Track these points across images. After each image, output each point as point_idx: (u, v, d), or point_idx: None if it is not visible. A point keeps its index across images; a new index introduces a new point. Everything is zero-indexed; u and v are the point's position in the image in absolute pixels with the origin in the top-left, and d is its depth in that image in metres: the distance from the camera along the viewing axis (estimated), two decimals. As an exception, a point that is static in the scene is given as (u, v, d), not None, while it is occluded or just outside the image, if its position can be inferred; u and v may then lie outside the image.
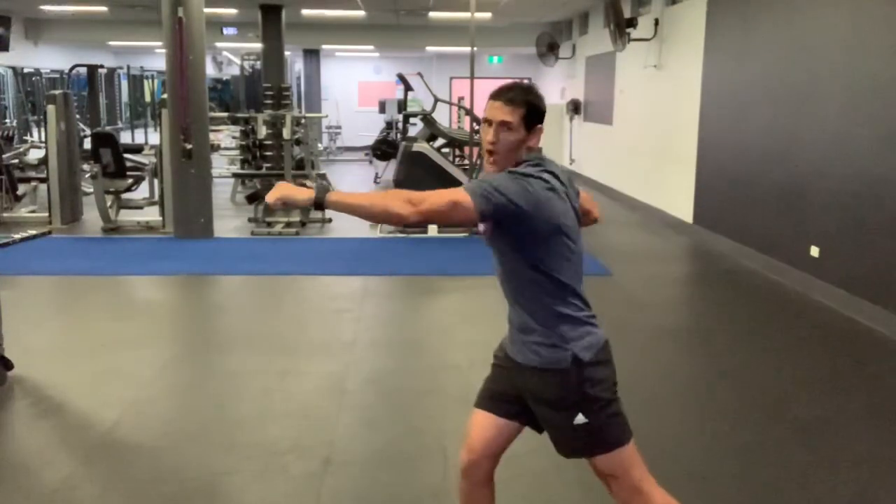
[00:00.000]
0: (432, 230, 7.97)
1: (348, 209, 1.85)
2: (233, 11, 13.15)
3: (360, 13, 13.24)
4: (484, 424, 2.11)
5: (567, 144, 13.68)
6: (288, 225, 8.32)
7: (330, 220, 8.58)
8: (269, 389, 3.90)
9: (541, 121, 1.98)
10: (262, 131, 10.16)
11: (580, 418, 1.94)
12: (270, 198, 1.87)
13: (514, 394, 2.08)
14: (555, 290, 1.96)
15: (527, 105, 1.94)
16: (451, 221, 1.92)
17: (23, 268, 6.33)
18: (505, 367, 2.10)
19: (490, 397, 2.13)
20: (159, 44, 14.58)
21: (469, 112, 8.89)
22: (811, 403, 3.81)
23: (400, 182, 8.16)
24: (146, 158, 9.55)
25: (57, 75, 16.77)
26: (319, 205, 1.85)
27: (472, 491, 2.16)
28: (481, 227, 1.96)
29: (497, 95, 1.97)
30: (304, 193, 1.86)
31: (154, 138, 13.11)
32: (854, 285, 5.22)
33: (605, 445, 1.98)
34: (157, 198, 8.49)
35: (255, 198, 8.66)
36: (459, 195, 1.86)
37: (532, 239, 1.92)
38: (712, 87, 7.74)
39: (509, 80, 2.02)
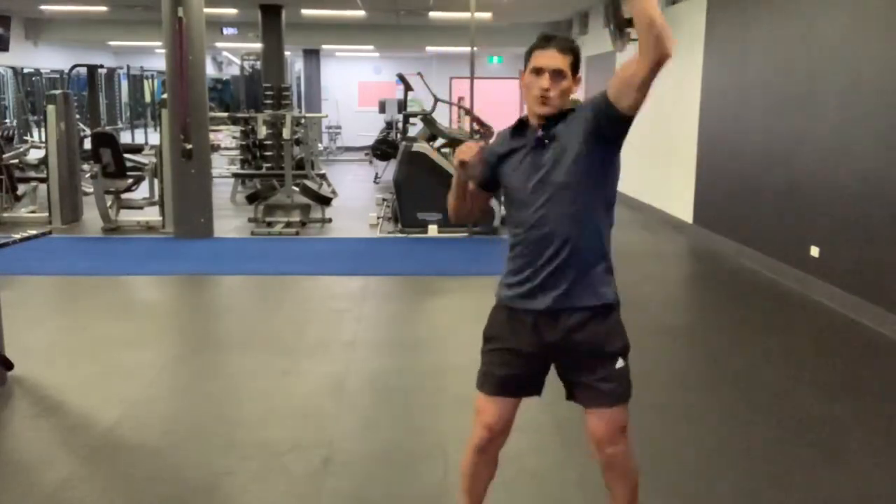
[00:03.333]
0: (432, 230, 7.97)
1: (650, 5, 1.78)
2: (233, 11, 13.15)
3: (360, 13, 13.23)
4: (500, 406, 2.14)
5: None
6: (288, 225, 8.32)
7: (330, 220, 8.58)
8: (269, 389, 3.90)
9: (580, 69, 2.07)
10: (262, 131, 10.16)
11: (620, 362, 2.08)
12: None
13: (526, 370, 2.13)
14: (608, 228, 2.11)
15: (574, 53, 2.04)
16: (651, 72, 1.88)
17: (23, 268, 6.33)
18: (524, 336, 2.10)
19: (501, 383, 2.15)
20: (159, 44, 14.59)
21: (469, 112, 8.88)
22: (811, 403, 3.81)
23: (400, 182, 8.16)
24: (146, 158, 9.55)
25: (57, 75, 16.76)
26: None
27: (485, 463, 2.21)
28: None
29: (546, 43, 2.04)
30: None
31: (154, 138, 13.11)
32: (854, 285, 5.21)
33: (629, 392, 2.11)
34: (157, 198, 8.49)
35: (255, 198, 8.67)
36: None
37: (614, 171, 2.07)
38: (712, 87, 7.73)
39: (547, 31, 2.07)
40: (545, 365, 2.17)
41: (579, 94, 2.15)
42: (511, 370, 2.14)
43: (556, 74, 2.00)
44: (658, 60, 1.82)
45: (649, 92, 1.91)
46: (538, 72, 2.01)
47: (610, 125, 1.97)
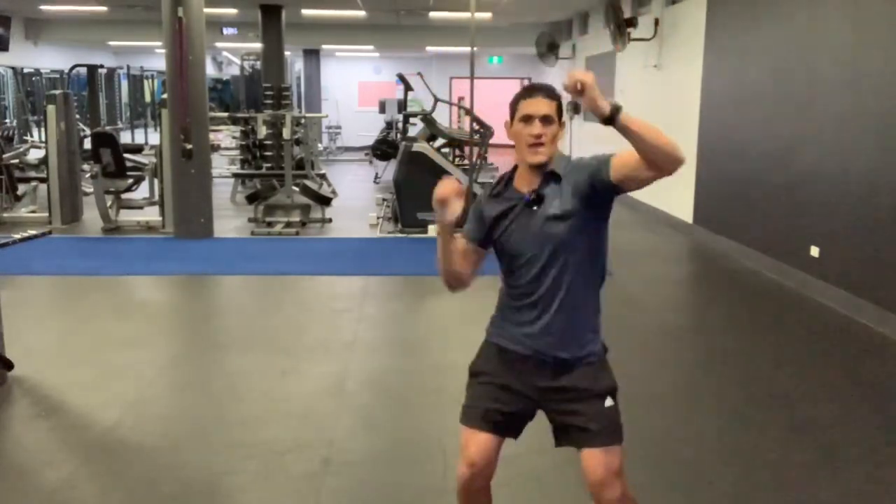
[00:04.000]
0: (432, 230, 7.97)
1: (642, 128, 1.84)
2: (233, 11, 13.15)
3: (360, 13, 13.24)
4: (484, 442, 2.12)
5: (567, 144, 13.68)
6: (288, 225, 8.32)
7: (330, 220, 8.58)
8: (269, 389, 3.90)
9: (563, 114, 2.13)
10: (262, 131, 10.16)
11: (609, 401, 2.11)
12: (574, 78, 1.85)
13: (514, 408, 2.13)
14: (599, 283, 2.17)
15: (557, 99, 2.09)
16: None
17: (23, 268, 6.33)
18: (515, 377, 2.12)
19: (487, 418, 2.13)
20: (159, 44, 14.59)
21: (469, 112, 8.88)
22: (811, 403, 3.81)
23: (400, 182, 8.16)
24: (146, 158, 9.55)
25: (57, 75, 16.77)
26: (611, 119, 1.86)
27: (476, 497, 2.19)
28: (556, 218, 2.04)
29: (533, 92, 2.09)
30: (604, 104, 1.86)
31: (154, 138, 13.11)
32: (854, 285, 5.21)
33: (620, 433, 2.11)
34: (157, 198, 8.49)
35: (255, 198, 8.67)
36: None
37: (605, 229, 2.13)
38: (712, 87, 7.73)
39: (531, 81, 2.11)
40: (531, 408, 2.16)
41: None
42: (498, 405, 2.13)
43: (546, 120, 2.05)
44: (666, 173, 1.91)
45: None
46: (528, 119, 2.05)
47: (603, 193, 2.03)
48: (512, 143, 2.14)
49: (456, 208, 2.03)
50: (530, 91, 2.09)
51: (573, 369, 2.10)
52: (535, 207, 2.08)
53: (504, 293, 2.19)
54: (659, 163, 1.88)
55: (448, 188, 2.04)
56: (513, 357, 2.14)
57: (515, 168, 2.16)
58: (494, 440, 2.13)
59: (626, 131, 1.86)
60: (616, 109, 1.85)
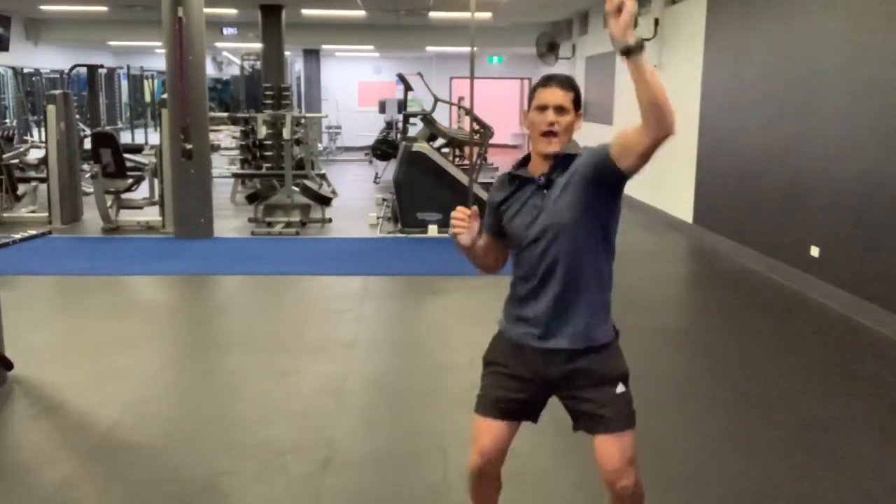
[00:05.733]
0: (432, 230, 7.97)
1: (653, 76, 1.82)
2: (233, 11, 13.15)
3: (361, 13, 13.24)
4: (495, 431, 2.15)
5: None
6: (288, 225, 8.32)
7: (330, 220, 8.58)
8: (269, 389, 3.90)
9: (581, 105, 2.12)
10: (262, 131, 10.16)
11: (620, 387, 2.11)
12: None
13: (525, 395, 2.14)
14: (610, 269, 2.15)
15: (574, 90, 2.11)
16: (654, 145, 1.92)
17: (23, 268, 6.33)
18: (526, 367, 2.13)
19: (498, 406, 2.15)
20: (159, 44, 14.59)
21: (469, 112, 8.88)
22: (811, 403, 3.81)
23: (400, 182, 8.16)
24: (146, 158, 9.55)
25: (57, 75, 16.76)
26: (629, 52, 1.83)
27: (487, 486, 2.23)
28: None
29: (549, 81, 2.11)
30: (631, 34, 1.82)
31: (154, 138, 13.11)
32: (854, 285, 5.21)
33: (633, 418, 2.13)
34: (157, 198, 8.49)
35: (255, 198, 8.67)
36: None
37: (615, 215, 2.12)
38: (712, 87, 7.73)
39: (550, 72, 2.13)
40: (545, 394, 2.19)
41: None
42: (510, 394, 2.15)
43: (560, 110, 2.06)
44: (660, 138, 1.88)
45: (651, 158, 1.94)
46: (542, 109, 2.07)
47: (610, 178, 2.03)
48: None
49: (474, 228, 2.16)
50: (547, 80, 2.11)
51: (585, 356, 2.10)
52: (544, 191, 2.09)
53: (513, 282, 2.20)
54: (655, 118, 1.84)
55: (461, 222, 2.14)
56: (523, 347, 2.14)
57: (529, 155, 2.18)
58: (506, 428, 2.16)
59: (639, 71, 1.82)
60: (640, 45, 1.83)
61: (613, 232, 2.15)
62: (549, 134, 2.07)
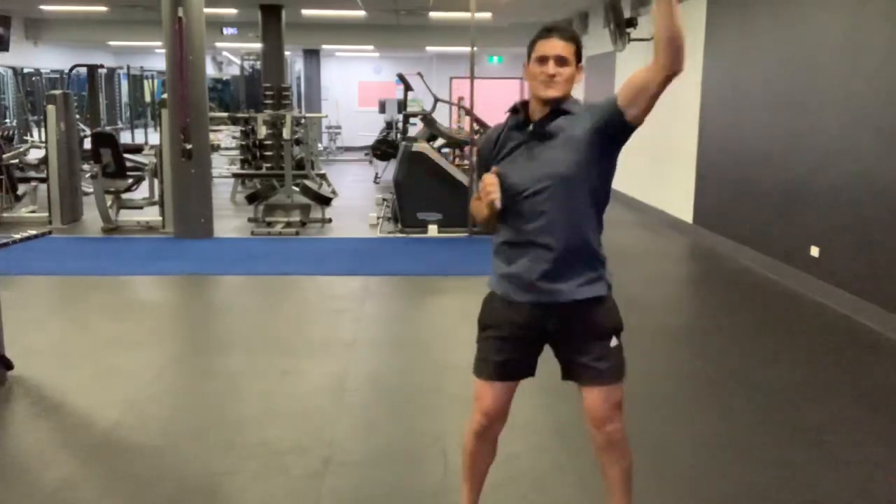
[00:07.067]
0: (432, 230, 7.98)
1: (677, 10, 1.82)
2: (233, 11, 13.15)
3: (360, 13, 13.23)
4: (497, 391, 2.18)
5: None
6: (288, 225, 8.32)
7: (330, 220, 8.58)
8: (269, 389, 3.90)
9: (582, 58, 2.11)
10: (262, 131, 10.16)
11: (614, 341, 2.14)
12: None
13: (520, 354, 2.17)
14: (600, 223, 2.16)
15: (575, 41, 2.08)
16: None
17: (23, 268, 6.33)
18: (520, 324, 2.14)
19: (497, 370, 2.18)
20: (159, 44, 14.59)
21: (469, 112, 8.88)
22: (811, 403, 3.81)
23: (400, 182, 8.16)
24: (146, 158, 9.55)
25: (57, 75, 16.77)
26: None
27: (485, 448, 2.27)
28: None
29: (549, 33, 2.07)
30: None
31: (154, 138, 13.11)
32: (854, 285, 5.21)
33: (623, 370, 2.16)
34: (157, 198, 8.49)
35: (255, 198, 8.67)
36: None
37: (611, 169, 2.10)
38: (712, 87, 7.74)
39: (551, 22, 2.11)
40: (539, 348, 2.22)
41: (579, 92, 2.15)
42: (507, 356, 2.18)
43: (560, 61, 2.04)
44: (672, 74, 1.89)
45: (656, 103, 1.96)
46: (542, 60, 2.04)
47: (615, 129, 2.02)
48: None
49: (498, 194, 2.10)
50: (548, 32, 2.08)
51: (578, 310, 2.10)
52: (540, 140, 2.06)
53: (502, 234, 2.16)
54: (672, 52, 1.85)
55: (492, 187, 2.07)
56: (516, 305, 2.14)
57: (527, 102, 2.14)
58: (506, 388, 2.20)
59: (671, 4, 1.82)
60: None
61: (607, 185, 2.13)
62: (549, 83, 2.03)
